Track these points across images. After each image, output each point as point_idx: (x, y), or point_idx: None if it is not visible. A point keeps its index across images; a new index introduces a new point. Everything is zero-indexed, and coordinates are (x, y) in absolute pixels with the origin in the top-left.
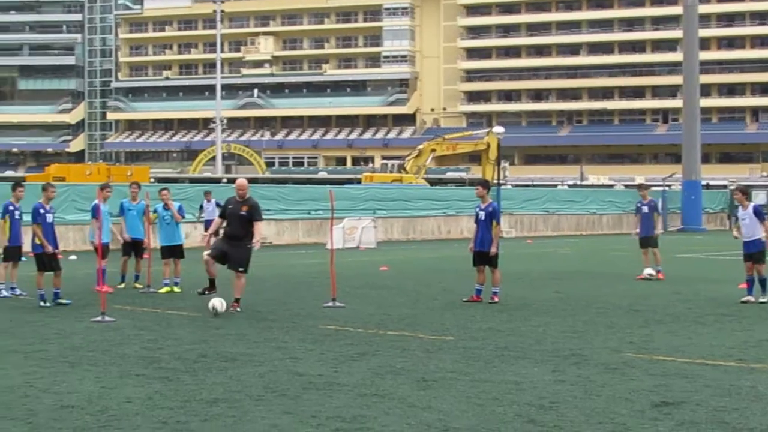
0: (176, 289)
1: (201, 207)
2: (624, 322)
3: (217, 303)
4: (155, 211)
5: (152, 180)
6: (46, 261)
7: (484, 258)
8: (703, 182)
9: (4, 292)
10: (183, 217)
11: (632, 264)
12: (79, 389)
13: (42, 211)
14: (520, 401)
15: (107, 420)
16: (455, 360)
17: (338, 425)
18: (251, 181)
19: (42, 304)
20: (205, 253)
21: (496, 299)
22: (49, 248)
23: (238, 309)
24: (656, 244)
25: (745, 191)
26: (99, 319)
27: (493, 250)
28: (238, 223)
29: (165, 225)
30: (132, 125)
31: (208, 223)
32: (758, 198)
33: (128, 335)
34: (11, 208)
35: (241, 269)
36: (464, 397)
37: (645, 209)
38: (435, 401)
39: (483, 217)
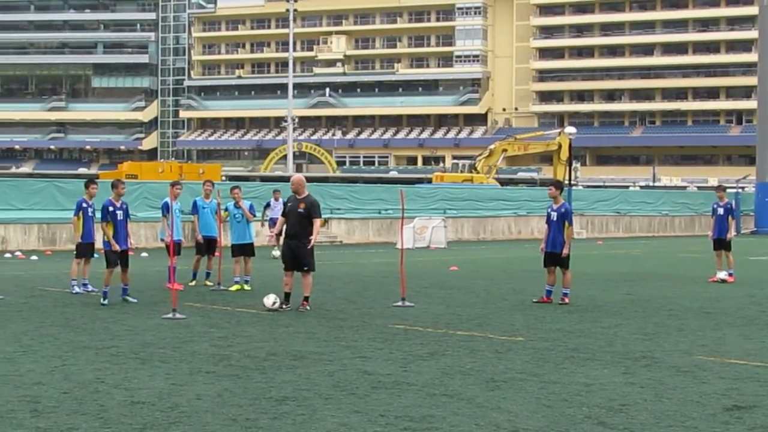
0: (246, 287)
1: (267, 205)
2: (695, 324)
3: (268, 300)
4: (226, 210)
5: (223, 178)
6: (112, 258)
7: (555, 259)
8: None
9: (77, 288)
10: (254, 216)
11: (705, 266)
12: (150, 386)
13: (111, 208)
14: (590, 403)
15: (177, 416)
16: (525, 361)
17: (407, 425)
18: (322, 180)
19: (103, 301)
20: (274, 252)
21: (567, 300)
22: (116, 246)
23: (308, 307)
24: (729, 247)
25: None
26: (170, 316)
27: (564, 251)
28: (297, 221)
29: (236, 223)
30: (204, 123)
31: (272, 222)
32: None
33: (198, 332)
34: (84, 205)
35: (306, 268)
36: (533, 399)
37: (720, 211)
38: (504, 402)
39: (555, 218)
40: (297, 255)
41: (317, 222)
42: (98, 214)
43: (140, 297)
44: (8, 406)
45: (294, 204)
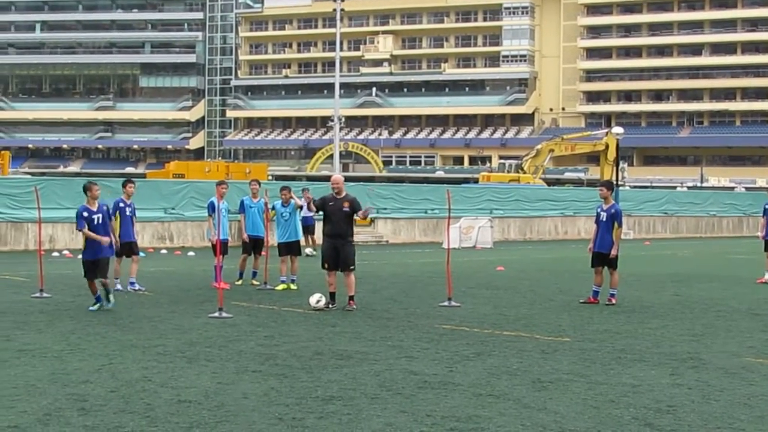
0: (293, 287)
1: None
2: (743, 325)
3: (313, 299)
4: (273, 209)
5: (270, 178)
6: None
7: (602, 259)
8: None
9: (119, 286)
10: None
11: (753, 267)
12: (196, 384)
13: (122, 205)
14: (637, 404)
15: (223, 415)
16: (571, 361)
17: (453, 425)
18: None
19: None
20: (307, 250)
21: (614, 301)
22: (104, 240)
23: (354, 306)
24: None
25: None
26: (216, 315)
27: (613, 252)
28: (342, 220)
29: (283, 222)
30: (251, 123)
31: (306, 220)
32: None
33: (245, 331)
34: (121, 204)
35: (351, 267)
36: (580, 399)
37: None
38: (551, 403)
39: (604, 219)
40: (342, 254)
41: (370, 210)
42: (135, 214)
43: (187, 296)
44: (56, 405)
45: (336, 203)
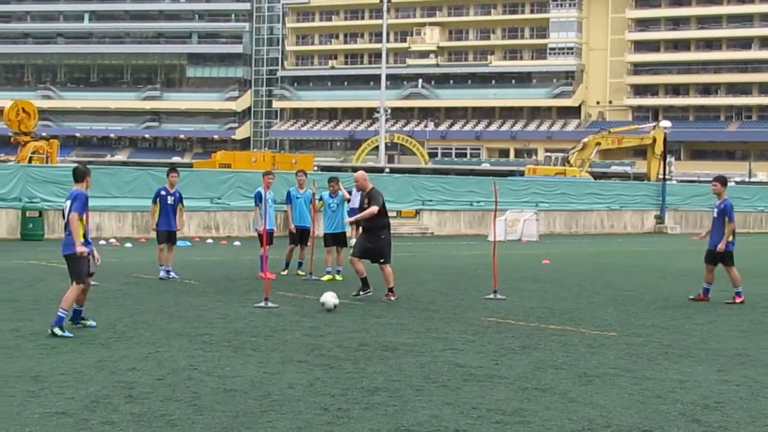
0: (338, 278)
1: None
2: None
3: (329, 298)
4: (321, 199)
5: (316, 168)
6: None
7: (714, 256)
8: None
9: (162, 273)
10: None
11: None
12: (242, 374)
13: (163, 193)
14: (684, 400)
15: (269, 405)
16: (618, 356)
17: (499, 418)
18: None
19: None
20: (351, 242)
21: (738, 300)
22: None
23: (392, 298)
24: None
25: None
26: (262, 305)
27: (719, 247)
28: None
29: (330, 213)
30: (297, 114)
31: (352, 212)
32: None
33: (290, 322)
34: (162, 192)
35: (381, 260)
36: (626, 394)
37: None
38: (597, 397)
39: (716, 214)
40: (373, 249)
41: (372, 208)
42: (179, 203)
43: (233, 286)
44: (103, 392)
45: (361, 200)
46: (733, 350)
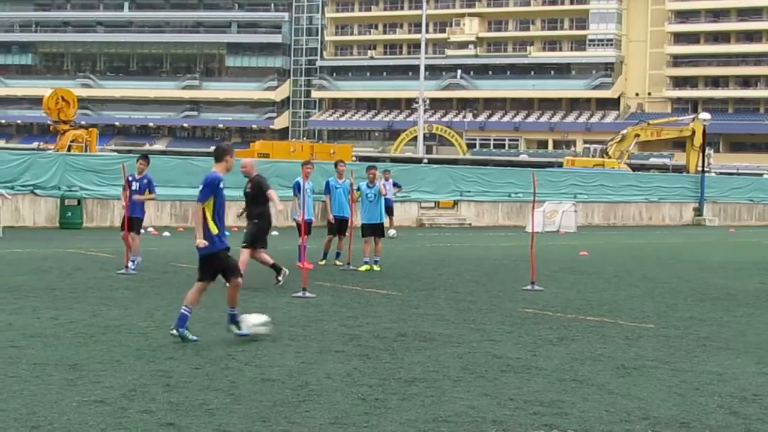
0: (376, 268)
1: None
2: None
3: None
4: (359, 189)
5: (354, 159)
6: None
7: None
8: None
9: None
10: (396, 190)
11: None
12: (280, 363)
13: (130, 179)
14: (723, 392)
15: (307, 395)
16: (656, 348)
17: (536, 409)
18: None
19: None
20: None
21: None
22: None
23: (281, 279)
24: None
25: None
26: (300, 294)
27: None
28: (249, 202)
29: (368, 203)
30: (335, 104)
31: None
32: None
33: (328, 312)
34: (129, 178)
35: (244, 243)
36: (665, 386)
37: None
38: (634, 389)
39: None
40: (250, 233)
41: (269, 193)
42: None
43: (271, 275)
44: (142, 380)
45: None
46: None
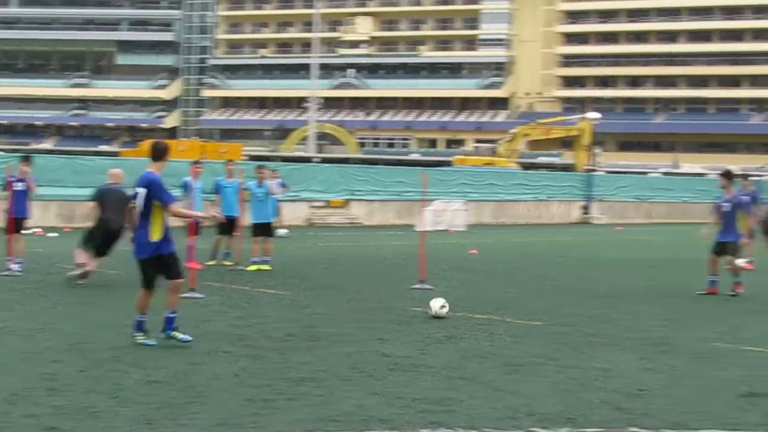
0: (265, 267)
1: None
2: (715, 311)
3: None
4: (248, 189)
5: (245, 158)
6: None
7: (725, 248)
8: None
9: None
10: (287, 188)
11: None
12: (167, 365)
13: (11, 179)
14: (608, 388)
15: (194, 396)
16: (543, 345)
17: (424, 407)
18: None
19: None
20: (281, 231)
21: (740, 290)
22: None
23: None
24: (751, 235)
25: None
26: (188, 295)
27: (743, 240)
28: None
29: (257, 203)
30: (227, 102)
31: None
32: None
33: (216, 312)
34: (10, 179)
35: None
36: (551, 383)
37: (746, 199)
38: (521, 386)
39: (729, 209)
40: None
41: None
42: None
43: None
44: (25, 384)
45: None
46: (657, 339)
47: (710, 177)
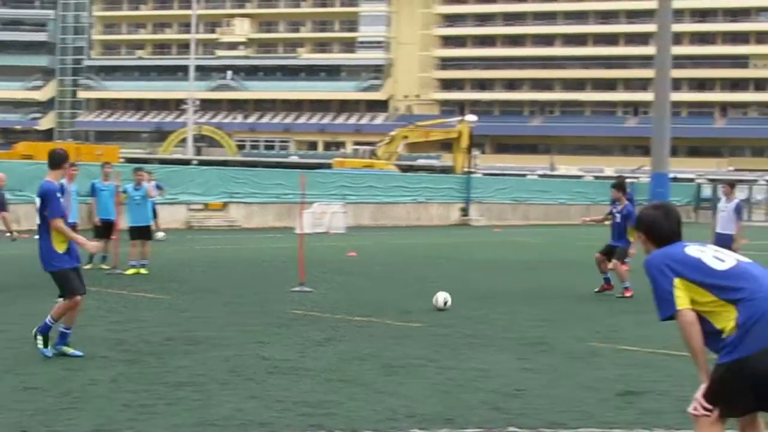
0: (143, 271)
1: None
2: (591, 311)
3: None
4: (125, 192)
5: (122, 160)
6: None
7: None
8: (671, 175)
9: None
10: (163, 190)
11: None
12: (43, 371)
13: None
14: (486, 388)
15: (70, 402)
16: (422, 347)
17: (304, 410)
18: (222, 163)
19: None
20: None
21: (628, 294)
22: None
23: None
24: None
25: (733, 185)
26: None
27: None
28: None
29: (134, 206)
30: (103, 104)
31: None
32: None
33: (93, 317)
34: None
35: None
36: (430, 384)
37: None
38: (401, 388)
39: (619, 220)
40: None
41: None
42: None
43: (32, 280)
44: None
45: None
46: (535, 339)
47: (586, 179)
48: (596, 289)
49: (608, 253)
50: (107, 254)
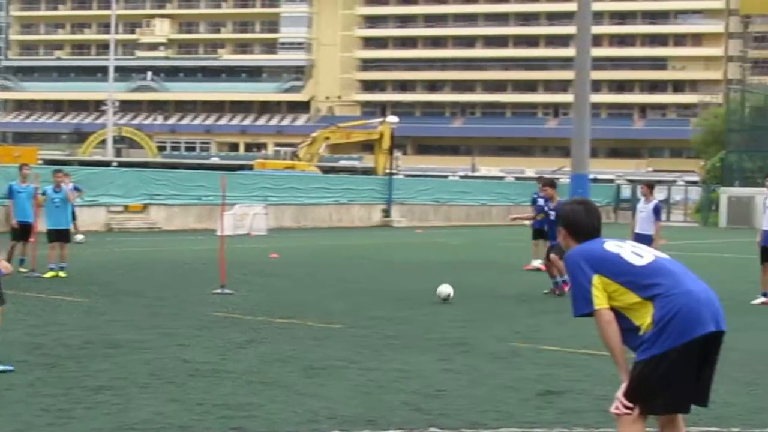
0: (62, 274)
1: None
2: (512, 311)
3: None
4: (44, 193)
5: (40, 162)
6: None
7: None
8: (591, 176)
9: None
10: (82, 192)
11: (521, 255)
12: None
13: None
14: (407, 389)
15: None
16: (343, 348)
17: (224, 413)
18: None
19: None
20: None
21: (566, 288)
22: None
23: None
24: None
25: (652, 186)
26: None
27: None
28: None
29: (54, 208)
30: (21, 105)
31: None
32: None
33: (11, 320)
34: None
35: None
36: (351, 386)
37: (541, 201)
38: (322, 389)
39: (554, 217)
40: None
41: None
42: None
43: None
44: None
45: None
46: (456, 339)
47: (507, 180)
48: (545, 291)
49: (548, 250)
50: (25, 257)
